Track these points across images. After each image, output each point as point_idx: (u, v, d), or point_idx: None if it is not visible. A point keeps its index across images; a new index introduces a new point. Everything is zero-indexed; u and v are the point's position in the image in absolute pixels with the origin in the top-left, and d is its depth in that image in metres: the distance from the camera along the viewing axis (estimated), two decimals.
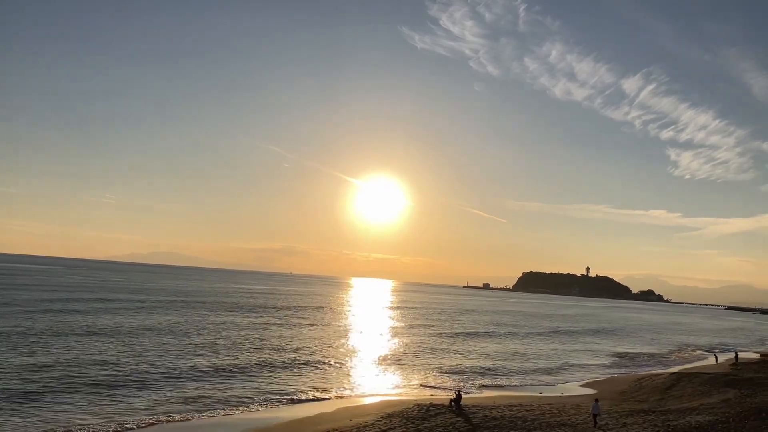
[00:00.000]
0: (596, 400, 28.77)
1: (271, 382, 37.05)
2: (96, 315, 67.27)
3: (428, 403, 30.59)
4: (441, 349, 60.78)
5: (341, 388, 37.17)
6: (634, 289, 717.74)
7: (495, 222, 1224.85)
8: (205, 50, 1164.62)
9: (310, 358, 47.81)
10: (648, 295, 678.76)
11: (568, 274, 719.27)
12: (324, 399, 34.04)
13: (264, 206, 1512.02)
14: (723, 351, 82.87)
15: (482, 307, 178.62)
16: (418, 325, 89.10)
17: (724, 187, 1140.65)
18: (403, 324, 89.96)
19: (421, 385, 40.18)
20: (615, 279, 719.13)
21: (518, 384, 43.33)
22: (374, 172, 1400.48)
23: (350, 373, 42.84)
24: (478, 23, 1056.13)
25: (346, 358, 49.29)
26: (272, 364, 43.51)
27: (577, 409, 30.93)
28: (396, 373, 44.37)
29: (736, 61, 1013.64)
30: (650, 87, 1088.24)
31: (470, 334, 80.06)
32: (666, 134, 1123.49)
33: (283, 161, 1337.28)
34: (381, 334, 72.57)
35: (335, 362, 46.81)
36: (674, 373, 46.65)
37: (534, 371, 49.19)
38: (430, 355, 55.43)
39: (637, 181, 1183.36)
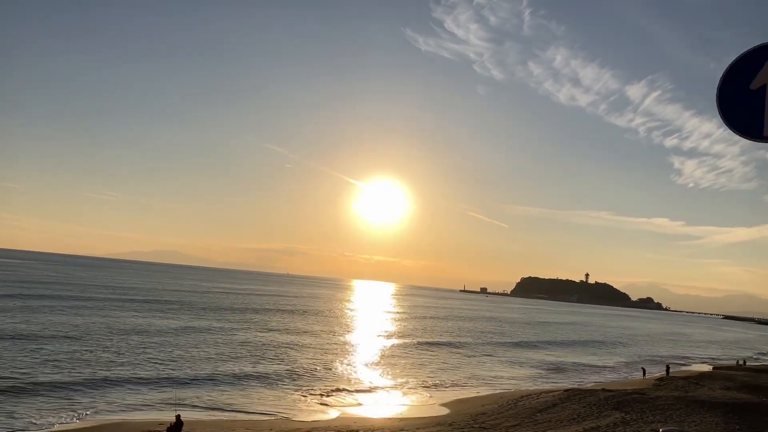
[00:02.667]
0: None
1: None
2: None
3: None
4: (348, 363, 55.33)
5: None
6: (635, 297, 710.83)
7: (496, 226, 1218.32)
8: (209, 50, 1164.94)
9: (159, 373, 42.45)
10: (647, 303, 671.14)
11: (567, 280, 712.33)
12: None
13: (266, 206, 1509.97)
14: (681, 363, 77.17)
15: (469, 312, 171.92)
16: (382, 334, 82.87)
17: (727, 195, 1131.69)
18: (366, 331, 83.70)
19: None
20: (616, 286, 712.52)
21: (356, 402, 37.72)
22: (376, 174, 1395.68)
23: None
24: (483, 26, 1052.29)
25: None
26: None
27: None
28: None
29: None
30: (655, 94, 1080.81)
31: (424, 343, 72.94)
32: (670, 142, 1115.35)
33: (285, 162, 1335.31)
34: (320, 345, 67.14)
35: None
36: (567, 390, 40.96)
37: (414, 387, 43.42)
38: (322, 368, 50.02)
39: (640, 189, 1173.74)
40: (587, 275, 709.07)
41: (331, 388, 39.33)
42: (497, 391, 43.31)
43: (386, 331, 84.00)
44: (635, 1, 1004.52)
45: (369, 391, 40.01)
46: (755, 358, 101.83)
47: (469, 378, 50.10)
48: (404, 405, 36.15)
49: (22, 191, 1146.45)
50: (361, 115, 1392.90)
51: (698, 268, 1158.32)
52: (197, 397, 33.09)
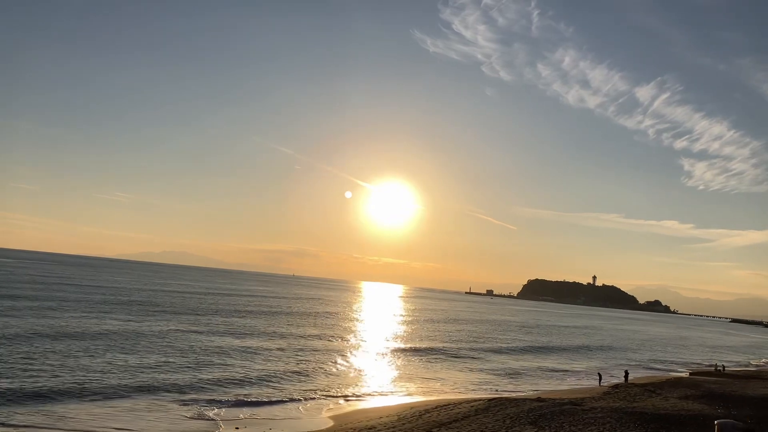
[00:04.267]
0: None
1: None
2: None
3: None
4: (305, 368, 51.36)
5: None
6: (644, 300, 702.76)
7: (505, 229, 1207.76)
8: (218, 52, 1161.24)
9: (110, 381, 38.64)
10: (654, 306, 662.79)
11: (574, 282, 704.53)
12: None
13: (275, 208, 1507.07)
14: (661, 369, 72.62)
15: (470, 315, 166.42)
16: (348, 338, 79.11)
17: (738, 198, 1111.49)
18: (333, 334, 79.05)
19: None
20: (624, 289, 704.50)
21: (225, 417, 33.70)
22: (385, 176, 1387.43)
23: None
24: (491, 28, 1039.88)
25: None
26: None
27: None
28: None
29: (752, 71, 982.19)
30: (664, 96, 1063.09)
31: (397, 349, 67.71)
32: (680, 144, 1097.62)
33: (294, 163, 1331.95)
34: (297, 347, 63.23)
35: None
36: (492, 399, 36.70)
37: (323, 396, 39.09)
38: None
39: (650, 191, 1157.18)
40: (594, 278, 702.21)
41: (213, 398, 35.00)
42: (415, 400, 39.16)
43: (355, 336, 79.16)
44: (644, 2, 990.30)
45: (258, 404, 35.11)
46: (746, 363, 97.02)
47: (406, 384, 46.03)
48: (286, 417, 31.97)
49: (34, 192, 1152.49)
50: (370, 116, 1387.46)
51: (708, 271, 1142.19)
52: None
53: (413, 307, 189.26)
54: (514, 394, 43.31)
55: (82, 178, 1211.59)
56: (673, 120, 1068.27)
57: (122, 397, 33.07)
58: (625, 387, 48.55)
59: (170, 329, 64.11)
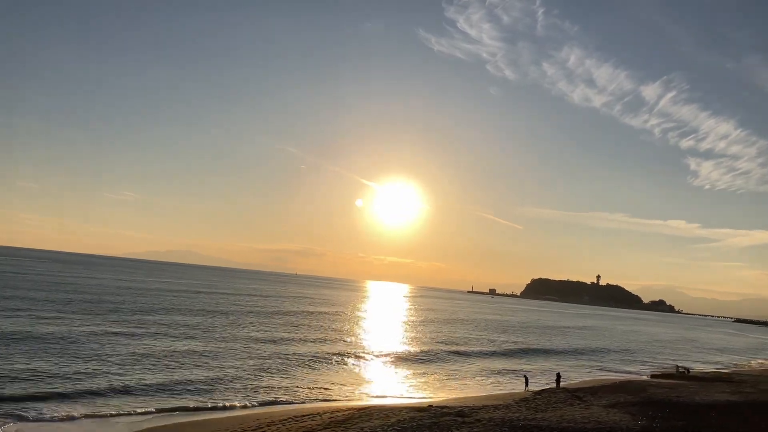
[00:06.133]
0: None
1: None
2: None
3: None
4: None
5: None
6: (649, 299, 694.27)
7: (510, 228, 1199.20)
8: (224, 52, 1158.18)
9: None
10: (659, 306, 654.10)
11: (578, 281, 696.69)
12: None
13: (281, 207, 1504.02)
14: (627, 371, 66.63)
15: (463, 315, 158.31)
16: (310, 341, 73.87)
17: (744, 198, 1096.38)
18: (301, 337, 73.50)
19: None
20: (629, 289, 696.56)
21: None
22: (391, 176, 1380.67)
23: None
24: (496, 26, 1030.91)
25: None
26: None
27: None
28: None
29: (759, 70, 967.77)
30: (670, 94, 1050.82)
31: (360, 354, 62.60)
32: (686, 143, 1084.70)
33: (300, 163, 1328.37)
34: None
35: None
36: (362, 408, 31.08)
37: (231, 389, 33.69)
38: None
39: (656, 191, 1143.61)
40: (598, 277, 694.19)
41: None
42: (275, 409, 33.54)
43: (318, 338, 72.15)
44: (650, 0, 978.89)
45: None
46: (735, 365, 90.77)
47: (296, 390, 40.44)
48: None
49: (41, 191, 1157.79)
50: (375, 116, 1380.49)
51: (714, 271, 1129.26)
52: None
53: (406, 307, 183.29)
54: (407, 401, 37.56)
55: (89, 177, 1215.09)
56: (679, 119, 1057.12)
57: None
58: (551, 392, 42.63)
59: (94, 330, 58.73)
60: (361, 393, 41.28)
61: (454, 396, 41.89)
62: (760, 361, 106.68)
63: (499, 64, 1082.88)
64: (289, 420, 28.33)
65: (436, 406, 33.19)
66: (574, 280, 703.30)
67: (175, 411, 30.72)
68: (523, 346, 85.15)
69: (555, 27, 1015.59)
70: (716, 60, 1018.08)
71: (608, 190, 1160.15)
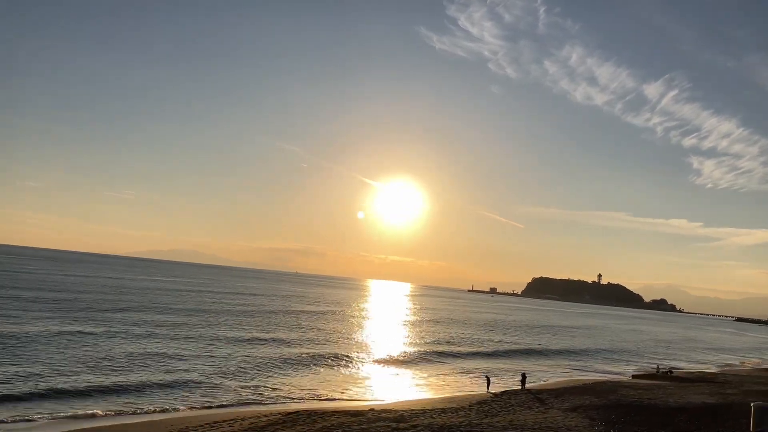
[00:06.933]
0: None
1: None
2: None
3: None
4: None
5: None
6: (651, 298, 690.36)
7: (512, 227, 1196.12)
8: (226, 51, 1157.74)
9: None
10: (660, 305, 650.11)
11: (579, 280, 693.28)
12: None
13: (283, 207, 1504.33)
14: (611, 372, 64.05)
15: (463, 314, 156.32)
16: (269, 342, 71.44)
17: (747, 196, 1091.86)
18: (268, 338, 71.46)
19: None
20: (631, 288, 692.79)
21: None
22: (392, 174, 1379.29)
23: None
24: (497, 24, 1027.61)
25: None
26: None
27: None
28: None
29: (762, 68, 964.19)
30: (672, 93, 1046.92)
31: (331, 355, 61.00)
32: (688, 142, 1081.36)
33: (301, 161, 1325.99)
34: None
35: None
36: (291, 413, 28.51)
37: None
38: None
39: (658, 189, 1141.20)
40: (600, 276, 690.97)
41: None
42: (224, 411, 31.15)
43: (295, 338, 68.98)
44: None
45: None
46: (727, 365, 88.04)
47: (265, 391, 37.99)
48: None
49: (43, 190, 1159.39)
50: (376, 114, 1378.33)
51: (716, 270, 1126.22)
52: None
53: (402, 306, 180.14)
54: (350, 405, 35.00)
55: (90, 176, 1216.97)
56: (682, 118, 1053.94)
57: None
58: (512, 394, 40.06)
59: (50, 330, 56.42)
60: (313, 395, 38.74)
61: (408, 399, 39.32)
62: (754, 360, 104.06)
63: (501, 63, 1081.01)
64: (205, 426, 25.92)
65: (378, 410, 30.75)
66: (575, 279, 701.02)
67: (80, 418, 28.05)
68: (512, 347, 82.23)
69: (556, 25, 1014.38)
70: (718, 58, 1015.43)
71: (610, 188, 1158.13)
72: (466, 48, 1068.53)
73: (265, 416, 28.19)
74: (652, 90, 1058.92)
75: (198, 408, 31.10)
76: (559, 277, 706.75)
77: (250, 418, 27.77)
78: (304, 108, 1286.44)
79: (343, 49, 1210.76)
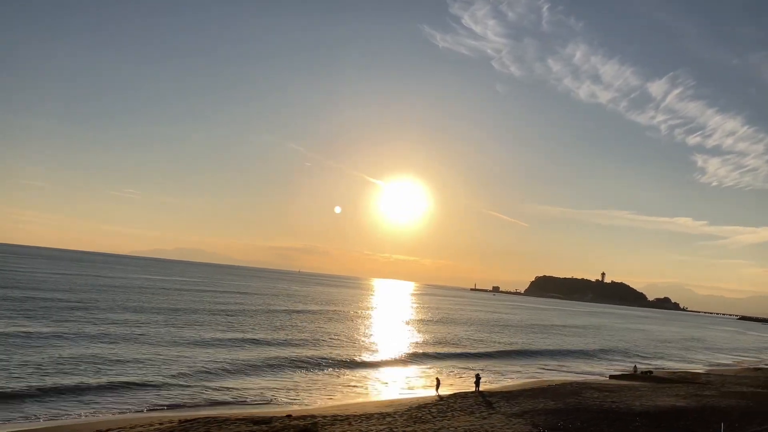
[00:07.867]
0: None
1: None
2: None
3: None
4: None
5: None
6: (656, 297, 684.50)
7: (516, 226, 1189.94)
8: (229, 50, 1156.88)
9: None
10: (663, 304, 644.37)
11: (582, 279, 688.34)
12: None
13: (287, 205, 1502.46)
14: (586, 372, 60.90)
15: (461, 314, 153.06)
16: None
17: (752, 195, 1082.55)
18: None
19: None
20: (635, 286, 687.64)
21: None
22: (396, 173, 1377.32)
23: None
24: (501, 22, 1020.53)
25: None
26: None
27: None
28: None
29: (766, 66, 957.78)
30: (677, 91, 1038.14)
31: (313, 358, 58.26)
32: (693, 140, 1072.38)
33: (304, 160, 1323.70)
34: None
35: None
36: (192, 419, 25.67)
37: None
38: None
39: (662, 188, 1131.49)
40: (603, 274, 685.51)
41: None
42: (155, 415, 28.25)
43: (274, 339, 65.83)
44: None
45: None
46: (717, 363, 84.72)
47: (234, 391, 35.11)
48: None
49: (46, 190, 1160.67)
50: (379, 113, 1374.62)
51: (721, 268, 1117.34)
52: None
53: (400, 305, 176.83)
54: (270, 410, 31.96)
55: (93, 175, 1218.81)
56: (686, 115, 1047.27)
57: None
58: (461, 397, 37.02)
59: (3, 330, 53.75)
60: (260, 399, 35.58)
61: (348, 403, 36.24)
62: (748, 359, 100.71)
63: (505, 61, 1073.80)
64: (131, 428, 23.08)
65: (296, 416, 27.82)
66: (579, 277, 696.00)
67: None
68: (498, 348, 78.58)
69: (560, 23, 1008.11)
70: (722, 56, 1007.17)
71: (614, 187, 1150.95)
72: (470, 46, 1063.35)
73: (160, 423, 25.31)
74: (656, 88, 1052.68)
75: (85, 416, 28.00)
76: (562, 276, 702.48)
77: (140, 426, 24.87)
78: (308, 107, 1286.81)
79: (346, 48, 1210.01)
